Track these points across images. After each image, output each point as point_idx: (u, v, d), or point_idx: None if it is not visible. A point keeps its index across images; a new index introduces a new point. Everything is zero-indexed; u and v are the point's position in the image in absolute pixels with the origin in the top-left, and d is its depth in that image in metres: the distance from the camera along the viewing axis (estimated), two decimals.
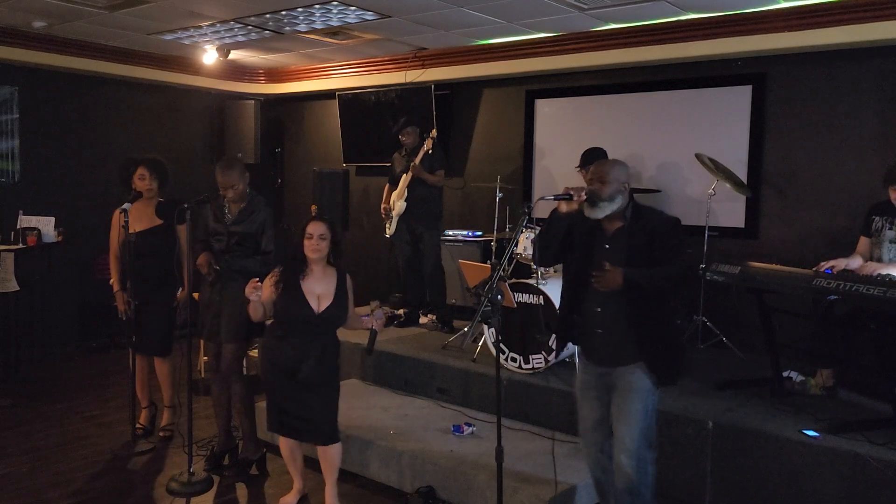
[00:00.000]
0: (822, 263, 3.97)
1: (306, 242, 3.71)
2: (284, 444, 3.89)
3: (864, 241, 4.34)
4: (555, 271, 5.04)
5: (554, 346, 4.48)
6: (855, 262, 4.16)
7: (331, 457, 3.81)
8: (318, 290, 3.72)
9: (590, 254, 3.20)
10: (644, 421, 3.13)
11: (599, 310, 3.19)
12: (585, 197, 3.10)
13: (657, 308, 3.14)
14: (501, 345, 4.79)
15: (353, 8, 5.56)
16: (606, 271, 3.05)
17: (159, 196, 4.78)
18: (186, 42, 6.86)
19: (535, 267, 5.01)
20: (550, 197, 3.15)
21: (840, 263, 4.01)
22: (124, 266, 4.66)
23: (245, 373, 4.73)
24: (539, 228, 4.96)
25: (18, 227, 6.36)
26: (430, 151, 5.94)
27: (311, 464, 4.02)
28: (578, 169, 5.57)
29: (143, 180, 4.69)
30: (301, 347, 3.69)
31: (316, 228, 3.72)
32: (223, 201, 4.25)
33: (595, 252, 3.19)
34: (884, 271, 3.78)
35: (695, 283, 5.22)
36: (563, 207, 3.14)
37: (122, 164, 4.90)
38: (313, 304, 3.69)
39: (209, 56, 7.12)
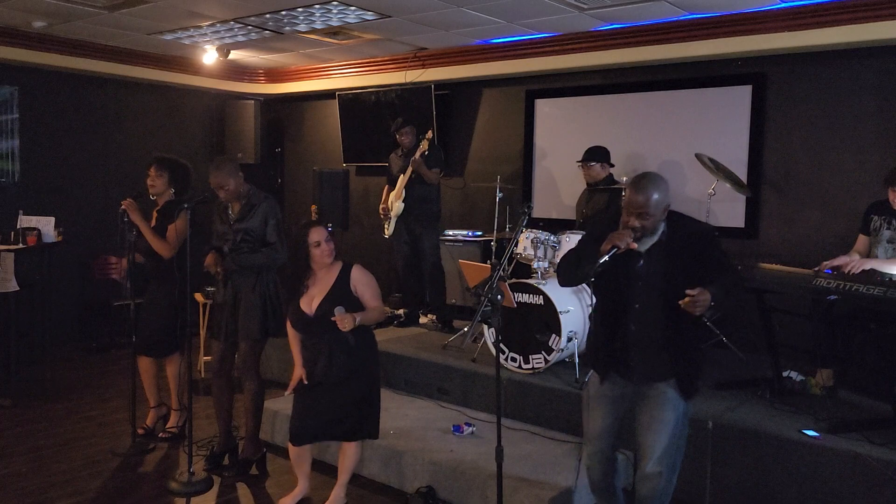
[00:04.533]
0: (825, 263, 3.97)
1: (317, 251, 3.66)
2: (293, 447, 3.85)
3: (862, 239, 4.35)
4: (555, 271, 5.03)
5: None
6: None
7: (348, 455, 3.79)
8: (315, 291, 3.71)
9: (622, 274, 3.07)
10: (675, 430, 3.08)
11: (634, 328, 3.09)
12: (634, 243, 2.95)
13: (690, 325, 3.09)
14: (501, 345, 4.79)
15: (353, 8, 5.56)
16: (699, 294, 2.85)
17: (170, 196, 4.77)
18: (186, 42, 6.86)
19: (535, 266, 5.02)
20: (606, 258, 2.92)
21: (848, 265, 3.93)
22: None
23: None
24: (546, 236, 4.99)
25: (18, 227, 6.36)
26: (427, 153, 5.94)
27: (315, 465, 4.01)
28: (580, 164, 5.60)
29: (148, 177, 4.72)
30: (312, 350, 3.72)
31: (320, 234, 3.68)
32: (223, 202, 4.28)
33: (629, 271, 3.06)
34: (866, 266, 3.77)
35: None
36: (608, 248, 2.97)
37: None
38: (307, 307, 3.69)
39: (209, 56, 7.12)
